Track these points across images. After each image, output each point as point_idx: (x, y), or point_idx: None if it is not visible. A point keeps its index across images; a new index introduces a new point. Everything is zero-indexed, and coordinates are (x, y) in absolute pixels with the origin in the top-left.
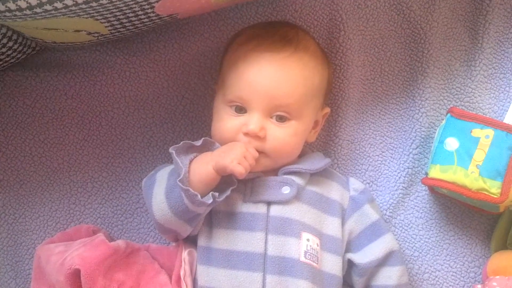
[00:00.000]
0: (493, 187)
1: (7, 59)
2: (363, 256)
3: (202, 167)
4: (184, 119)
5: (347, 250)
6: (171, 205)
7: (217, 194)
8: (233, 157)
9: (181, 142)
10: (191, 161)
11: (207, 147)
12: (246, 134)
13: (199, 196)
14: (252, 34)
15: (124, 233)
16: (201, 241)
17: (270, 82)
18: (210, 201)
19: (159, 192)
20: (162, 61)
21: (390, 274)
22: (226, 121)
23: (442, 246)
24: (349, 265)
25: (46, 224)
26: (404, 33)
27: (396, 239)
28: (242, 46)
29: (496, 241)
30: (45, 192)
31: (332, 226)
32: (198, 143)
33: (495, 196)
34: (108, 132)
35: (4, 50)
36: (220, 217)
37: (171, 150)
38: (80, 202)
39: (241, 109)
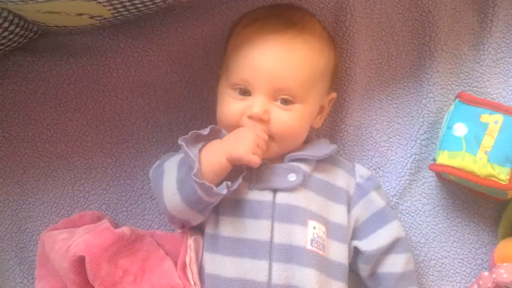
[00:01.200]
0: (502, 173)
1: (8, 43)
2: (369, 244)
3: (214, 157)
4: (189, 104)
5: (353, 237)
6: (184, 197)
7: (230, 183)
8: (247, 147)
9: (189, 133)
10: (200, 151)
11: (214, 135)
12: (250, 117)
13: (214, 188)
14: (257, 17)
15: (129, 220)
16: (208, 229)
17: (274, 64)
18: (225, 191)
19: (170, 183)
20: (166, 45)
21: (396, 262)
22: (230, 105)
23: (449, 232)
24: (355, 253)
25: (50, 210)
26: (412, 16)
27: (403, 226)
28: (246, 29)
29: (503, 228)
30: (49, 178)
31: (338, 213)
32: (206, 131)
33: (504, 183)
34: (112, 118)
35: (5, 34)
36: (226, 205)
37: (180, 141)
38: (84, 188)
39: (245, 92)
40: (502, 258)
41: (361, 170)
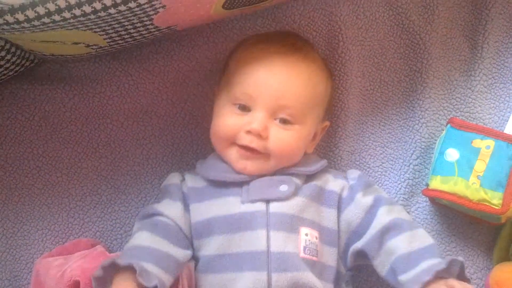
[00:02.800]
0: (494, 198)
1: (5, 71)
2: (367, 239)
3: None
4: (183, 131)
5: (352, 241)
6: None
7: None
8: None
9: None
10: None
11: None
12: (249, 132)
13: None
14: (262, 38)
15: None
16: (202, 251)
17: (279, 82)
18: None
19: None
20: (161, 72)
21: (397, 245)
22: (229, 119)
23: (443, 257)
24: (360, 256)
25: (45, 238)
26: (403, 43)
27: None
28: (252, 47)
29: (498, 253)
30: (44, 206)
31: (329, 218)
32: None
33: (497, 207)
34: (107, 145)
35: (2, 62)
36: (219, 223)
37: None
38: (78, 215)
39: (244, 108)
40: (497, 282)
41: (352, 173)
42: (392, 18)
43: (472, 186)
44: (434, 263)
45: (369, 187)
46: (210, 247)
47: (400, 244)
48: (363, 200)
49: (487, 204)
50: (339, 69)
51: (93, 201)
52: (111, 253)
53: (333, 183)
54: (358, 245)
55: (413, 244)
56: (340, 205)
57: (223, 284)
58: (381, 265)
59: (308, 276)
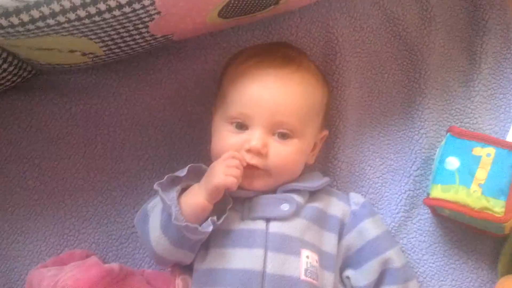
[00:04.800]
0: (497, 206)
1: (2, 81)
2: (362, 278)
3: (193, 199)
4: (181, 142)
5: (346, 265)
6: (171, 240)
7: (215, 218)
8: (219, 173)
9: (165, 177)
10: (179, 192)
11: (193, 174)
12: (249, 151)
13: (199, 227)
14: (253, 53)
15: (119, 259)
16: (197, 264)
17: (274, 97)
18: (211, 227)
19: (155, 227)
20: (158, 84)
21: None
22: (228, 139)
23: (447, 271)
24: (348, 283)
25: (39, 249)
26: (401, 55)
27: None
28: (243, 63)
29: (503, 265)
30: (39, 217)
31: (329, 242)
32: (183, 172)
33: (499, 215)
34: (103, 155)
35: (0, 71)
36: (217, 237)
37: (156, 187)
38: (74, 227)
39: (241, 126)
40: None
41: (355, 198)
42: (389, 30)
43: (473, 194)
44: None
45: (373, 217)
46: (205, 259)
47: None
48: (366, 231)
49: (490, 212)
50: (337, 80)
51: (88, 212)
52: (106, 264)
53: (336, 207)
54: (351, 273)
55: None
56: (341, 230)
57: None
58: None
59: None
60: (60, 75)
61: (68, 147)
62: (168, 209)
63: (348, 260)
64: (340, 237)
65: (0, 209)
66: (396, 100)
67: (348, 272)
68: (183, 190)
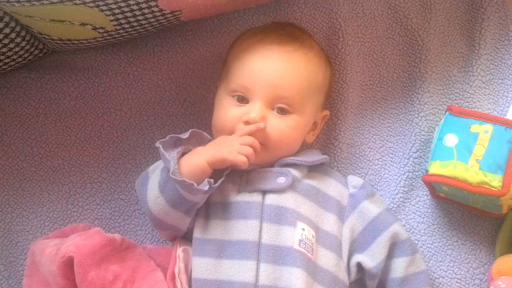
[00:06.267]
0: (494, 181)
1: (14, 57)
2: (371, 258)
3: (194, 159)
4: (186, 122)
5: (353, 250)
6: (168, 198)
7: (212, 180)
8: (231, 148)
9: (168, 136)
10: (180, 154)
11: (195, 139)
12: (247, 122)
13: (195, 184)
14: (259, 30)
15: (122, 235)
16: (196, 233)
17: (274, 72)
18: (207, 187)
19: (153, 187)
20: (165, 65)
21: (395, 266)
22: (227, 111)
23: (445, 252)
24: (360, 269)
25: (43, 224)
26: (402, 40)
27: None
28: (248, 39)
29: (500, 245)
30: (44, 192)
31: (328, 222)
32: (186, 135)
33: (496, 189)
34: (110, 134)
35: (11, 45)
36: (215, 208)
37: (157, 144)
38: (78, 203)
39: (243, 99)
40: (500, 272)
41: (354, 180)
42: (390, 16)
43: (471, 169)
44: None
45: (372, 196)
46: (204, 230)
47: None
48: (367, 211)
49: (487, 186)
50: (339, 64)
51: (93, 188)
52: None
53: (334, 188)
54: (360, 258)
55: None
56: (342, 213)
57: (213, 268)
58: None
59: (296, 276)
60: (70, 55)
61: (75, 125)
62: (167, 164)
63: (354, 244)
64: (342, 220)
65: (6, 184)
66: (396, 83)
67: (357, 257)
68: (183, 155)
